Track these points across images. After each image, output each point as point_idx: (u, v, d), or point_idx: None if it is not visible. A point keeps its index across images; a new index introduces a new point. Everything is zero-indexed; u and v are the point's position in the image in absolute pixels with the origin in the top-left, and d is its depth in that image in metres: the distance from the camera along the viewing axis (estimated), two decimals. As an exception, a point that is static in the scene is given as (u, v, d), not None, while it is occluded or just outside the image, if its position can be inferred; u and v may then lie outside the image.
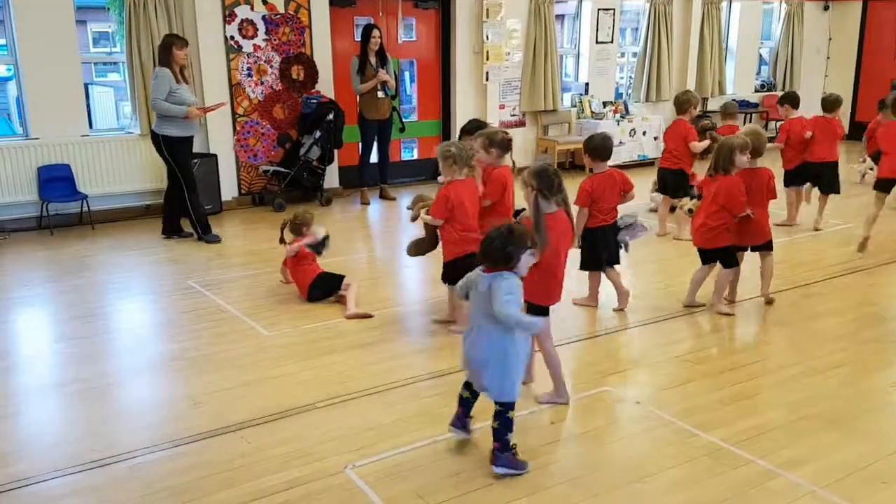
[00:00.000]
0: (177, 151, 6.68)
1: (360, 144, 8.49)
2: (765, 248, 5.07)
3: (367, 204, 8.45)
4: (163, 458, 3.24)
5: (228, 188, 8.22)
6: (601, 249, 4.87)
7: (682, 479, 3.05)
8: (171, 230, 7.03)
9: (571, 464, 3.16)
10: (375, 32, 8.08)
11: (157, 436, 3.41)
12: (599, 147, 4.81)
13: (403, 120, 8.83)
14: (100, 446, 3.32)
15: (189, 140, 6.79)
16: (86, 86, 8.81)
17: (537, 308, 3.62)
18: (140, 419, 3.64)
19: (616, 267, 5.01)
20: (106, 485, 3.05)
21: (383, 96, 8.19)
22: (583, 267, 4.99)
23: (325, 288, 5.18)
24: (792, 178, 7.33)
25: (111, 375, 4.12)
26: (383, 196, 8.73)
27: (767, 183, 4.95)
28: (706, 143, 6.77)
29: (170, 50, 6.49)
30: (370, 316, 4.88)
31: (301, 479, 3.05)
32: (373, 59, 8.09)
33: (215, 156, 7.99)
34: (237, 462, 3.19)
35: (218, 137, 8.08)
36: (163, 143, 6.63)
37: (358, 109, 8.31)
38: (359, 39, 8.34)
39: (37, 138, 7.22)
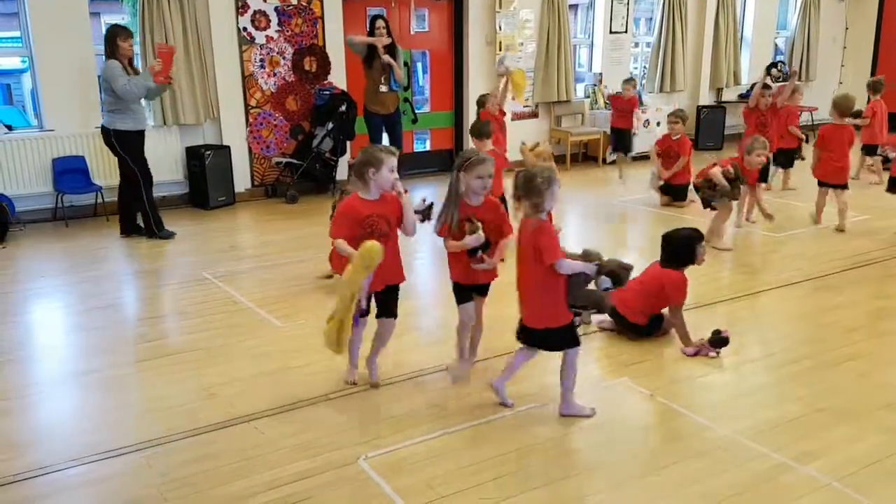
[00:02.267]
0: (130, 146, 6.43)
1: (369, 139, 8.45)
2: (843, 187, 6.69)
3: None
4: (177, 448, 3.26)
5: (241, 180, 8.24)
6: None
7: (697, 471, 3.04)
8: (131, 229, 6.79)
9: (587, 455, 3.16)
10: (379, 23, 7.77)
11: (172, 426, 3.43)
12: (481, 130, 5.84)
13: (416, 111, 8.80)
14: (115, 436, 3.35)
15: (142, 134, 6.54)
16: (99, 78, 8.82)
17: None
18: (154, 409, 3.66)
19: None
20: (121, 474, 3.08)
21: (386, 90, 7.88)
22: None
23: None
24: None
25: (125, 366, 4.15)
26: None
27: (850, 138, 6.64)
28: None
29: (114, 41, 6.25)
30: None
31: (314, 470, 3.07)
32: (381, 51, 7.87)
33: (228, 147, 8.02)
34: (250, 452, 3.21)
35: (231, 129, 8.10)
36: (114, 138, 6.37)
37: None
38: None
39: (51, 130, 7.26)
